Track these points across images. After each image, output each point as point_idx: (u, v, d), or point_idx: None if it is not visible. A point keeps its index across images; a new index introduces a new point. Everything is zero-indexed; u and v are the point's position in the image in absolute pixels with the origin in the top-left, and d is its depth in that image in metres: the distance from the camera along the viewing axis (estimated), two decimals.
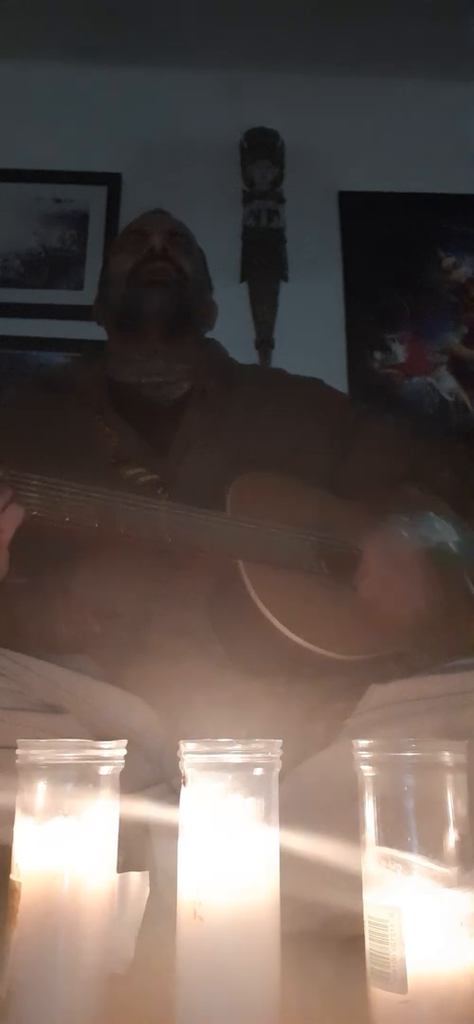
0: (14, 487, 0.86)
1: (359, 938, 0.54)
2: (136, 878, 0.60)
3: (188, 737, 0.56)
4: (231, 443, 1.12)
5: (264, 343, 1.90)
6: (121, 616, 1.00)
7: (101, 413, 1.16)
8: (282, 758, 0.57)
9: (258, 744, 0.56)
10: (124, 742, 0.59)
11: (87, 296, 1.97)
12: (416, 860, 0.52)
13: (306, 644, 0.92)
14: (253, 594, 0.93)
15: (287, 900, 0.55)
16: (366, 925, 0.54)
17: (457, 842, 0.53)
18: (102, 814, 0.56)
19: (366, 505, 1.07)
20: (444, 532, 1.01)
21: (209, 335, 1.35)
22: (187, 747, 0.56)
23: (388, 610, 0.97)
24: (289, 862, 0.56)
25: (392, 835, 0.54)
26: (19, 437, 1.11)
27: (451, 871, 0.52)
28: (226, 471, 1.03)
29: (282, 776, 0.57)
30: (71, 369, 1.34)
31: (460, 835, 0.53)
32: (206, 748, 0.55)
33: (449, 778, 0.54)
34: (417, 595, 0.97)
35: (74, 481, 0.91)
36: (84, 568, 0.99)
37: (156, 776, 0.86)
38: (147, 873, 0.61)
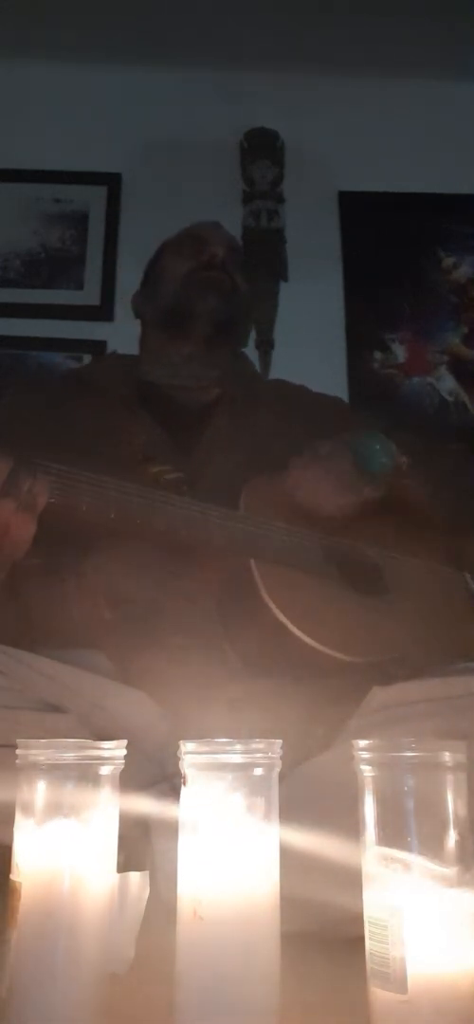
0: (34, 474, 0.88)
1: (359, 938, 0.54)
2: (136, 878, 0.60)
3: (190, 734, 0.57)
4: (254, 450, 1.15)
5: (264, 343, 1.90)
6: (132, 604, 1.01)
7: (130, 410, 1.18)
8: (282, 758, 0.57)
9: (258, 744, 0.56)
10: (124, 742, 0.59)
11: (87, 296, 1.98)
12: (416, 860, 0.52)
13: (314, 644, 0.93)
14: (263, 591, 0.94)
15: (287, 900, 0.55)
16: (366, 925, 0.54)
17: (457, 842, 0.53)
18: (102, 814, 0.56)
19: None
20: (366, 437, 1.08)
21: None
22: (187, 747, 0.56)
23: (314, 503, 1.03)
24: (289, 862, 0.56)
25: (392, 835, 0.54)
26: (40, 435, 1.11)
27: (451, 871, 0.52)
28: (244, 474, 1.06)
29: (283, 776, 0.57)
30: (99, 366, 1.35)
31: (460, 835, 0.53)
32: (206, 748, 0.55)
33: (449, 778, 0.54)
34: (337, 497, 1.04)
35: (94, 472, 0.92)
36: (98, 554, 1.01)
37: (157, 775, 0.86)
38: (147, 873, 0.61)
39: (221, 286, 1.25)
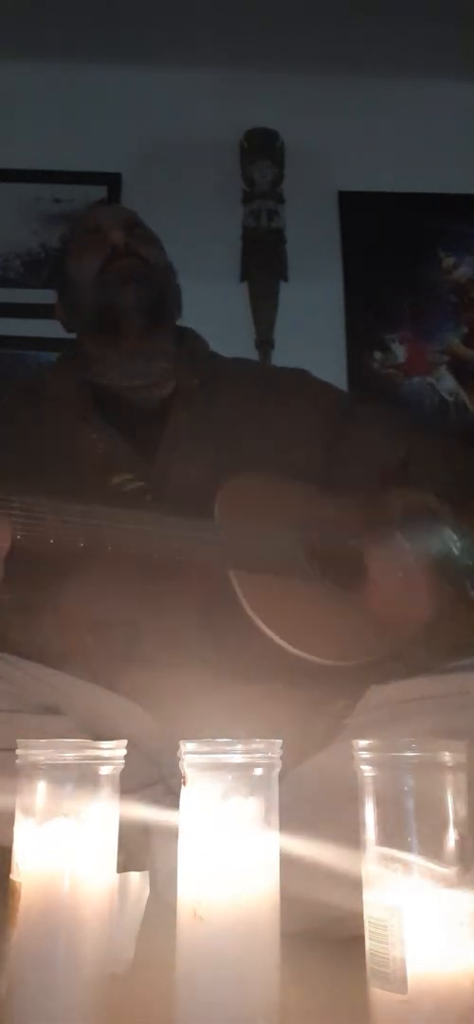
0: None
1: (359, 938, 0.54)
2: (136, 878, 0.60)
3: (183, 739, 0.56)
4: (218, 443, 1.11)
5: (264, 343, 1.90)
6: (113, 625, 0.99)
7: (85, 419, 1.14)
8: (282, 758, 0.57)
9: (258, 744, 0.56)
10: (124, 742, 0.58)
11: None
12: (416, 860, 0.52)
13: (300, 653, 0.91)
14: (243, 601, 0.92)
15: (287, 900, 0.55)
16: (366, 925, 0.54)
17: (457, 842, 0.53)
18: (102, 814, 0.56)
19: (362, 501, 1.06)
20: (445, 537, 1.01)
21: (184, 325, 1.32)
22: (187, 747, 0.56)
23: (395, 619, 0.97)
24: (289, 862, 0.56)
25: (392, 835, 0.54)
26: (1, 452, 1.09)
27: (451, 871, 0.52)
28: (214, 474, 1.02)
29: (282, 776, 0.57)
30: (50, 375, 1.31)
31: (460, 835, 0.53)
32: (206, 748, 0.55)
33: (449, 778, 0.54)
34: (423, 604, 0.97)
35: (57, 496, 0.89)
36: (74, 582, 0.98)
37: (155, 776, 0.86)
38: (147, 873, 0.61)
39: (134, 273, 1.19)
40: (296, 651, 0.91)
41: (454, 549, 1.00)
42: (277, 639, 0.91)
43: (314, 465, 1.13)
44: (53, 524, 0.88)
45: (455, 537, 1.01)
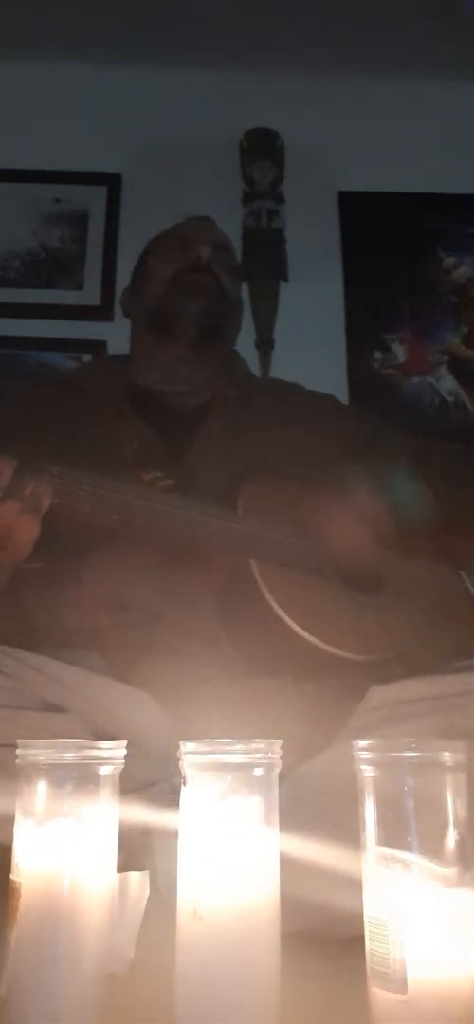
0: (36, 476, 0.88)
1: (359, 938, 0.54)
2: (136, 878, 0.60)
3: (191, 735, 0.56)
4: (247, 452, 1.14)
5: (264, 343, 1.90)
6: (131, 609, 1.01)
7: (122, 415, 1.17)
8: (282, 758, 0.57)
9: (258, 744, 0.56)
10: (124, 742, 0.59)
11: (87, 296, 1.98)
12: (416, 860, 0.52)
13: (316, 641, 0.93)
14: (265, 590, 0.94)
15: (287, 900, 0.55)
16: (366, 925, 0.54)
17: (457, 842, 0.53)
18: (102, 814, 0.56)
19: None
20: (398, 481, 1.07)
21: None
22: (187, 747, 0.56)
23: (337, 545, 1.01)
24: (289, 862, 0.56)
25: (392, 835, 0.54)
26: (38, 435, 1.11)
27: (451, 871, 0.52)
28: (240, 478, 1.05)
29: (283, 776, 0.57)
30: (90, 370, 1.35)
31: (460, 835, 0.53)
32: (206, 748, 0.55)
33: (449, 778, 0.54)
34: (360, 534, 1.03)
35: (93, 475, 0.92)
36: (97, 560, 1.00)
37: (157, 775, 0.86)
38: (147, 873, 0.61)
39: (206, 290, 1.23)
40: (310, 637, 0.93)
41: (402, 493, 1.07)
42: (294, 626, 0.93)
43: (330, 482, 1.16)
44: (88, 493, 0.91)
45: (407, 483, 1.08)
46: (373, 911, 0.53)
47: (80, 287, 1.99)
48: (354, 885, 0.56)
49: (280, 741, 0.57)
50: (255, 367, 1.77)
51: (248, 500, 1.02)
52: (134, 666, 0.97)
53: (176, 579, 1.00)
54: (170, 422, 1.19)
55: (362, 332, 1.98)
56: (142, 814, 0.77)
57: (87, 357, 1.89)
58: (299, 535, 1.02)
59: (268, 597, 0.94)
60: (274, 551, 0.99)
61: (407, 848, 0.53)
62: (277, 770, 0.56)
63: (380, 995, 0.52)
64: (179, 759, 0.56)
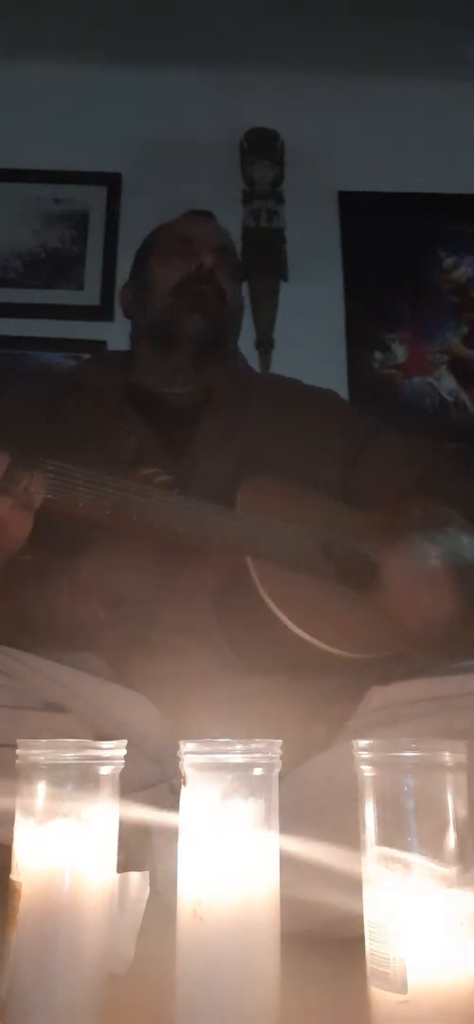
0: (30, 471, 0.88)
1: (359, 938, 0.54)
2: (136, 878, 0.60)
3: (189, 735, 0.56)
4: (246, 448, 1.14)
5: (264, 343, 1.90)
6: (126, 606, 1.00)
7: (120, 413, 1.17)
8: (282, 758, 0.57)
9: (258, 744, 0.56)
10: (124, 742, 0.59)
11: (87, 296, 1.98)
12: (416, 860, 0.52)
13: (311, 639, 0.93)
14: (260, 588, 0.94)
15: (287, 900, 0.55)
16: (366, 925, 0.54)
17: (457, 842, 0.53)
18: (102, 814, 0.56)
19: (378, 516, 1.09)
20: (459, 541, 1.02)
21: None
22: (187, 747, 0.56)
23: (410, 623, 0.99)
24: (289, 862, 0.56)
25: (392, 835, 0.54)
26: (35, 433, 1.11)
27: (451, 871, 0.52)
28: (238, 475, 1.05)
29: (282, 777, 0.57)
30: (87, 369, 1.35)
31: (460, 835, 0.53)
32: (206, 748, 0.55)
33: (449, 778, 0.54)
34: (437, 607, 0.98)
35: (88, 470, 0.92)
36: (93, 554, 1.00)
37: (157, 776, 0.86)
38: (147, 873, 0.61)
39: (208, 303, 1.21)
40: (305, 635, 0.92)
41: (468, 553, 1.01)
42: (289, 623, 0.92)
43: (333, 480, 1.16)
44: (84, 487, 0.91)
45: (469, 541, 1.02)
46: (373, 911, 0.53)
47: (80, 287, 1.99)
48: (354, 885, 0.56)
49: (280, 741, 0.57)
50: (255, 367, 1.77)
51: (246, 497, 1.02)
52: (130, 662, 0.97)
53: (173, 574, 1.00)
54: (168, 419, 1.19)
55: (362, 332, 1.98)
56: (142, 814, 0.77)
57: (87, 357, 1.88)
58: (296, 532, 1.02)
59: (264, 594, 0.94)
60: (271, 548, 0.98)
61: (407, 848, 0.53)
62: (277, 770, 0.56)
63: (380, 995, 0.52)
64: (179, 759, 0.56)
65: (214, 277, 1.23)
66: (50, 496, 0.88)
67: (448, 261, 2.06)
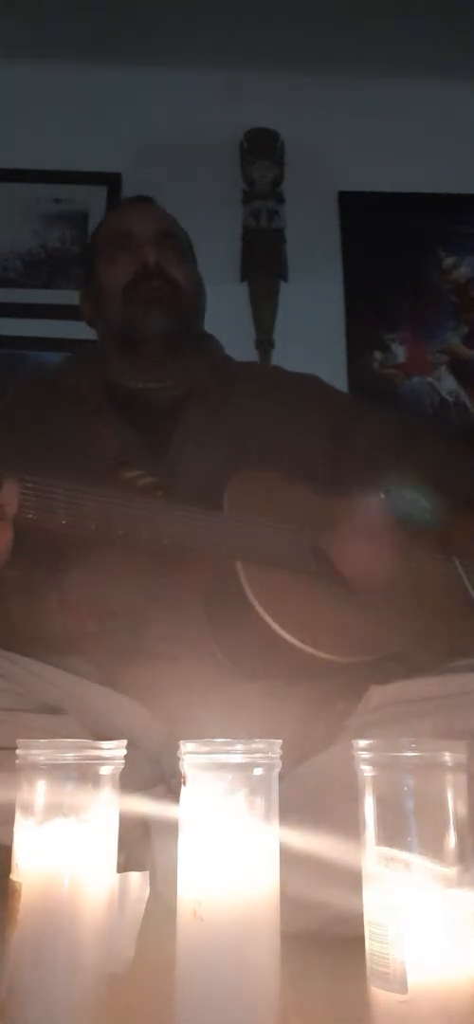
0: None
1: (359, 938, 0.54)
2: (136, 878, 0.60)
3: (183, 739, 0.56)
4: (229, 441, 1.12)
5: (264, 343, 1.90)
6: (117, 616, 0.99)
7: (99, 414, 1.15)
8: (282, 758, 0.57)
9: (258, 744, 0.56)
10: (124, 742, 0.59)
11: None
12: (416, 860, 0.52)
13: (302, 646, 0.92)
14: (250, 595, 0.93)
15: (287, 900, 0.55)
16: (366, 925, 0.54)
17: (457, 842, 0.53)
18: (102, 814, 0.56)
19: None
20: (405, 498, 1.04)
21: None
22: (187, 747, 0.56)
23: (354, 572, 0.99)
24: (289, 862, 0.56)
25: (392, 835, 0.54)
26: (14, 441, 1.10)
27: (451, 871, 0.52)
28: (224, 471, 1.03)
29: (282, 777, 0.57)
30: (66, 370, 1.32)
31: (460, 835, 0.53)
32: (206, 748, 0.55)
33: (449, 778, 0.54)
34: (380, 557, 1.00)
35: (71, 483, 0.90)
36: (80, 567, 0.99)
37: (156, 776, 0.86)
38: (147, 873, 0.61)
39: (162, 297, 1.18)
40: (297, 643, 0.92)
41: (412, 507, 1.03)
42: (281, 632, 0.92)
43: (320, 468, 1.14)
44: (66, 504, 0.89)
45: (415, 497, 1.04)
46: (373, 911, 0.53)
47: (80, 287, 1.99)
48: (354, 885, 0.56)
49: (280, 741, 0.57)
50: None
51: (233, 495, 1.00)
52: (122, 672, 0.96)
53: (162, 583, 0.99)
54: (149, 418, 1.16)
55: (362, 332, 1.98)
56: (142, 814, 0.77)
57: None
58: (286, 532, 1.00)
59: (253, 600, 0.92)
60: (261, 551, 0.97)
61: (407, 848, 0.53)
62: (277, 770, 0.56)
63: (380, 995, 0.52)
64: (178, 760, 0.56)
65: (161, 270, 1.19)
66: (31, 516, 0.86)
67: (448, 261, 2.06)
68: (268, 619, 0.92)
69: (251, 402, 1.20)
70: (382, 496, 1.03)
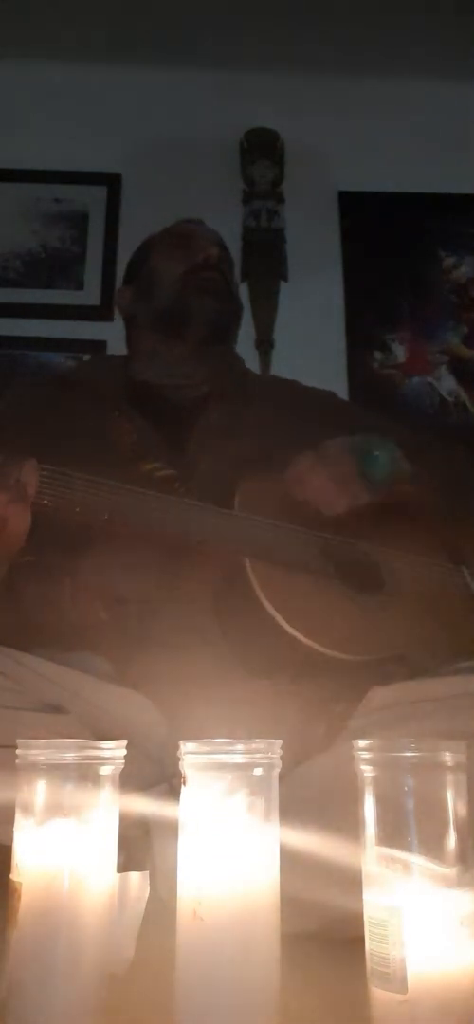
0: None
1: (359, 938, 0.54)
2: (136, 878, 0.60)
3: (189, 736, 0.56)
4: (246, 445, 1.14)
5: (264, 343, 1.90)
6: (128, 605, 1.01)
7: (119, 409, 1.18)
8: (282, 758, 0.57)
9: (258, 744, 0.56)
10: (124, 742, 0.59)
11: (87, 296, 1.98)
12: (416, 860, 0.52)
13: (308, 642, 0.93)
14: (258, 590, 0.94)
15: (287, 900, 0.55)
16: (366, 925, 0.54)
17: (457, 842, 0.53)
18: (102, 814, 0.56)
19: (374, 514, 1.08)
20: (372, 446, 1.07)
21: None
22: (187, 747, 0.56)
23: (321, 506, 1.02)
24: (289, 862, 0.56)
25: (392, 835, 0.54)
26: (35, 433, 1.11)
27: (451, 871, 0.52)
28: (238, 472, 1.05)
29: (282, 777, 0.57)
30: (87, 367, 1.36)
31: (460, 835, 0.53)
32: (206, 748, 0.55)
33: (449, 778, 0.54)
34: (345, 493, 1.03)
35: (86, 472, 0.92)
36: (93, 554, 1.00)
37: (157, 776, 0.86)
38: (147, 873, 0.61)
39: (218, 288, 1.24)
40: (303, 638, 0.93)
41: (377, 452, 1.06)
42: (287, 627, 0.93)
43: None
44: (80, 491, 0.91)
45: (380, 446, 1.07)
46: (373, 911, 0.53)
47: (80, 287, 2.00)
48: (354, 885, 0.56)
49: (280, 741, 0.57)
50: (255, 367, 1.77)
51: (245, 497, 1.02)
52: (131, 661, 0.97)
53: (173, 574, 1.00)
54: (168, 415, 1.19)
55: (362, 332, 1.98)
56: (143, 814, 0.77)
57: (87, 357, 1.89)
58: (296, 532, 1.02)
59: (262, 597, 0.94)
60: (270, 548, 0.98)
61: (407, 848, 0.53)
62: (277, 770, 0.56)
63: (380, 995, 0.52)
64: (179, 759, 0.56)
65: (220, 268, 1.26)
66: (46, 502, 0.89)
67: (448, 261, 2.06)
68: (274, 613, 0.93)
69: (269, 411, 1.23)
70: (347, 439, 1.08)
